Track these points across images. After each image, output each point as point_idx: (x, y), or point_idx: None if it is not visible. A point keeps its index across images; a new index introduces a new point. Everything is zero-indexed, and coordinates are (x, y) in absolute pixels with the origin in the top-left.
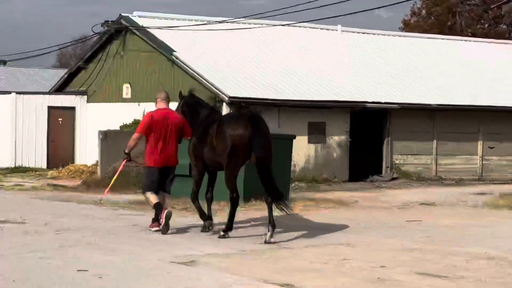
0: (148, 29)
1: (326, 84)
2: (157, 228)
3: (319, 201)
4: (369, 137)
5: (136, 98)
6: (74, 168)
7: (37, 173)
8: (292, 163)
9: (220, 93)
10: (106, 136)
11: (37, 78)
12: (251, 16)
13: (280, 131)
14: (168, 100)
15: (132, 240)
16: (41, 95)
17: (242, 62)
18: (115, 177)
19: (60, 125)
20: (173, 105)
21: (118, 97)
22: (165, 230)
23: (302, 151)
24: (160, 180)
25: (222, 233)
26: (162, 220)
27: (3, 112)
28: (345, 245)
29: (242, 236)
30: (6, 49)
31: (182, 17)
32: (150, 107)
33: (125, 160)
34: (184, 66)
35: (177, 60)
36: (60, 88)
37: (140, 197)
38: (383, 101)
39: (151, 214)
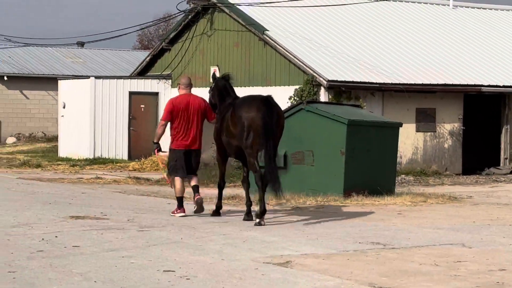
0: (238, 6)
1: (437, 65)
2: (182, 214)
3: (428, 196)
4: (485, 125)
5: None
6: (157, 160)
7: (118, 164)
8: (398, 154)
9: (317, 76)
10: None
11: (117, 60)
12: None
13: (384, 119)
14: (190, 86)
15: (222, 238)
16: (122, 80)
17: (342, 41)
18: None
19: (142, 112)
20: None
21: (205, 81)
22: (198, 211)
23: (409, 140)
24: (186, 163)
25: (258, 220)
26: (196, 207)
27: (82, 98)
28: (458, 246)
29: (342, 235)
30: (84, 30)
31: None
32: (241, 92)
33: (156, 150)
34: (277, 45)
35: (269, 40)
36: (142, 72)
37: (227, 191)
38: (501, 84)
39: (241, 210)
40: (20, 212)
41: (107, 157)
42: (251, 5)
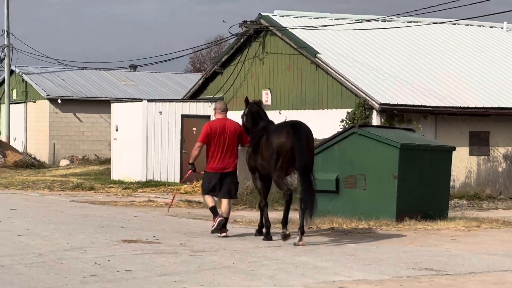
0: (290, 29)
1: (490, 88)
2: (220, 218)
3: (482, 221)
4: None
5: (276, 105)
6: None
7: (170, 187)
8: (451, 177)
9: (369, 99)
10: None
11: (169, 83)
12: (404, 13)
13: (437, 142)
14: (226, 110)
15: (274, 263)
16: (174, 103)
17: (394, 64)
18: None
19: (194, 135)
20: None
21: None
22: (215, 231)
23: (462, 164)
24: (219, 185)
25: (298, 241)
26: (215, 224)
27: (134, 121)
28: None
29: (395, 260)
30: (137, 53)
31: (326, 16)
32: (292, 115)
33: (190, 171)
34: (329, 68)
35: (321, 63)
36: (195, 95)
37: (275, 215)
38: None
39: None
40: (74, 235)
41: (159, 180)
42: (303, 28)
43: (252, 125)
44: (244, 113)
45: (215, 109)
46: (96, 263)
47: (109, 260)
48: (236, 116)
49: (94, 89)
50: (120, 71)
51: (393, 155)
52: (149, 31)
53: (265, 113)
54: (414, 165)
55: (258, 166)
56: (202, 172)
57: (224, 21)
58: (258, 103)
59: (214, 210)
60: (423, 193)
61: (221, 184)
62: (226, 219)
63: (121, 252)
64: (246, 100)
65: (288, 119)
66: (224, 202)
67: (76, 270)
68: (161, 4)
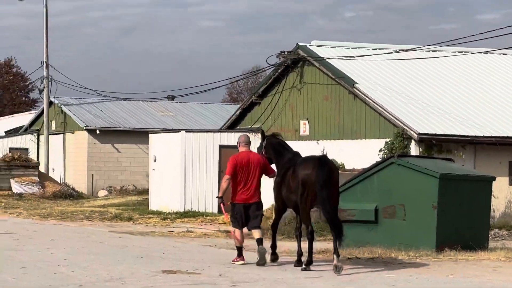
0: (327, 59)
1: None
2: (242, 262)
3: None
4: None
5: (314, 135)
6: None
7: (208, 218)
8: (491, 208)
9: (407, 129)
10: None
11: (206, 113)
12: (442, 43)
13: (476, 172)
14: (249, 143)
15: None
16: (212, 133)
17: (432, 94)
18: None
19: None
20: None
21: (295, 134)
22: (260, 263)
23: (502, 194)
24: (246, 216)
25: (304, 266)
26: (237, 261)
27: (173, 152)
28: None
29: None
30: (174, 83)
31: (363, 45)
32: (330, 145)
33: (222, 204)
34: (367, 98)
35: (359, 93)
36: (232, 125)
37: (321, 245)
38: None
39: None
40: (113, 266)
41: (197, 210)
42: (340, 58)
43: (276, 157)
44: (261, 145)
45: (238, 142)
46: None
47: None
48: None
49: (132, 120)
50: (158, 101)
51: (433, 185)
52: (185, 62)
53: (287, 145)
54: (454, 195)
55: (284, 197)
56: (229, 203)
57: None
58: (277, 135)
59: (240, 250)
60: (463, 223)
61: (248, 215)
62: (261, 240)
63: (160, 283)
64: (262, 133)
65: (325, 149)
66: (256, 232)
67: None
68: (197, 35)
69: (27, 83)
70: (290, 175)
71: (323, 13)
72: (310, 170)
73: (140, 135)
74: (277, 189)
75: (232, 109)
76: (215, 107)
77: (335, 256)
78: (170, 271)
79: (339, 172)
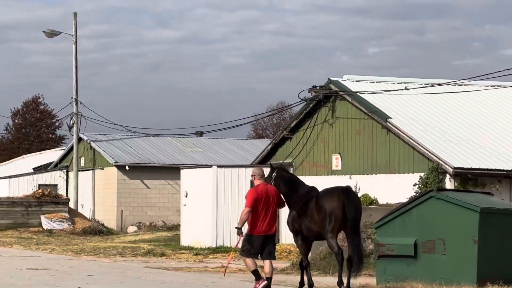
0: (360, 94)
1: None
2: (264, 284)
3: None
4: None
5: (347, 170)
6: (280, 248)
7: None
8: None
9: (442, 163)
10: None
11: (235, 149)
12: (476, 77)
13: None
14: (264, 176)
15: None
16: (243, 168)
17: (465, 127)
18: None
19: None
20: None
21: (327, 169)
22: None
23: None
24: (262, 247)
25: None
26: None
27: (204, 187)
28: None
29: None
30: (199, 120)
31: (395, 80)
32: (363, 180)
33: (241, 236)
34: (400, 133)
35: (393, 127)
36: (263, 161)
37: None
38: None
39: None
40: None
41: (229, 246)
42: (373, 92)
43: (289, 190)
44: (270, 177)
45: (253, 175)
46: None
47: None
48: (304, 180)
49: (161, 156)
50: (186, 137)
51: (473, 219)
52: (210, 99)
53: (299, 179)
54: (495, 229)
55: (304, 228)
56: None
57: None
58: (286, 169)
59: (257, 273)
60: (504, 258)
61: (265, 245)
62: (270, 279)
63: None
64: (271, 166)
65: (358, 184)
66: (267, 263)
67: None
68: (222, 72)
69: (54, 120)
70: (313, 207)
71: (347, 49)
72: (336, 201)
73: (169, 171)
74: (294, 223)
75: (261, 144)
76: (243, 142)
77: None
78: None
79: (374, 207)
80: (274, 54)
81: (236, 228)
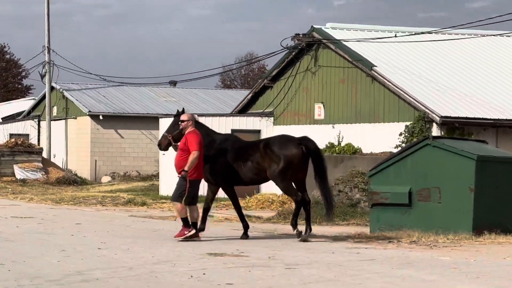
0: (344, 42)
1: None
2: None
3: None
4: None
5: (330, 119)
6: (262, 198)
7: (223, 203)
8: None
9: (429, 112)
10: None
11: (209, 99)
12: (459, 25)
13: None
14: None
15: (377, 276)
16: (224, 117)
17: (451, 77)
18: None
19: None
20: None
21: (309, 118)
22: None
23: None
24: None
25: (304, 235)
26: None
27: None
28: None
29: (503, 273)
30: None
31: (379, 28)
32: (347, 129)
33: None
34: (386, 81)
35: (378, 75)
36: (243, 110)
37: (349, 229)
38: None
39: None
40: (154, 249)
41: (217, 196)
42: (358, 41)
43: (206, 136)
44: (175, 122)
45: (190, 120)
46: (192, 276)
47: (204, 274)
48: (286, 129)
49: (135, 105)
50: (160, 87)
51: (470, 167)
52: (176, 51)
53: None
54: (491, 177)
55: (220, 176)
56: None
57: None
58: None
59: (188, 220)
60: (500, 206)
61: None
62: (196, 225)
63: (212, 265)
64: (178, 113)
65: (341, 133)
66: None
67: (175, 283)
68: (187, 24)
69: (20, 70)
70: (265, 154)
71: (311, 1)
72: (296, 149)
73: (144, 121)
74: (224, 169)
75: (235, 94)
76: (216, 92)
77: (308, 227)
78: (216, 253)
79: (359, 156)
80: (238, 6)
81: (183, 171)
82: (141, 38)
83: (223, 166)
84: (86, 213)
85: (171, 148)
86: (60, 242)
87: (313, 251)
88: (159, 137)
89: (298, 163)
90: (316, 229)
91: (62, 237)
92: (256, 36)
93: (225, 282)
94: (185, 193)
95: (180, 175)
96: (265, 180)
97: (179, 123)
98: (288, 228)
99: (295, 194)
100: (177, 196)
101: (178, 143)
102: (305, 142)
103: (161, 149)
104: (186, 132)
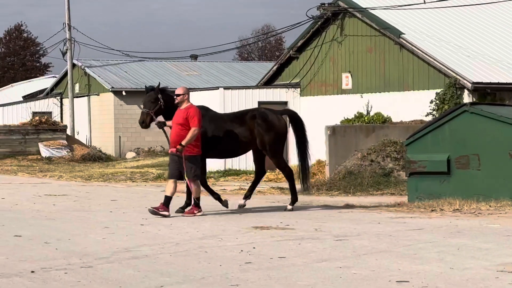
0: (371, 10)
1: None
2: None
3: None
4: None
5: (358, 88)
6: (292, 169)
7: (251, 176)
8: None
9: (460, 78)
10: (334, 132)
11: (231, 72)
12: None
13: None
14: None
15: (430, 246)
16: (250, 90)
17: (481, 42)
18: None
19: None
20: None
21: (336, 88)
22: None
23: None
24: None
25: (289, 206)
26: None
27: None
28: None
29: None
30: (189, 45)
31: None
32: (375, 98)
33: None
34: (415, 49)
35: (406, 43)
36: (268, 82)
37: (387, 199)
38: None
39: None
40: (197, 223)
41: (237, 169)
42: (385, 8)
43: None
44: (158, 98)
45: (185, 94)
46: (242, 250)
47: (254, 247)
48: (313, 100)
49: (157, 80)
50: (181, 61)
51: (509, 133)
52: (191, 25)
53: None
54: None
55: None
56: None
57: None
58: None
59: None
60: None
61: None
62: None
63: (259, 238)
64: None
65: (370, 102)
66: None
67: (226, 258)
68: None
69: (38, 48)
70: (255, 127)
71: None
72: (283, 122)
73: None
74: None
75: (257, 67)
76: (238, 65)
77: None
78: (262, 227)
79: (391, 125)
80: None
81: (180, 145)
82: (155, 13)
83: (204, 138)
84: (119, 189)
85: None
86: (101, 219)
87: (358, 222)
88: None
89: (285, 134)
90: (350, 199)
91: (101, 214)
92: (272, 8)
93: (277, 255)
94: (197, 170)
95: (174, 151)
96: (245, 152)
97: (175, 97)
98: (324, 199)
99: (287, 166)
100: (193, 175)
101: (161, 119)
102: (288, 112)
103: (145, 127)
104: (183, 106)
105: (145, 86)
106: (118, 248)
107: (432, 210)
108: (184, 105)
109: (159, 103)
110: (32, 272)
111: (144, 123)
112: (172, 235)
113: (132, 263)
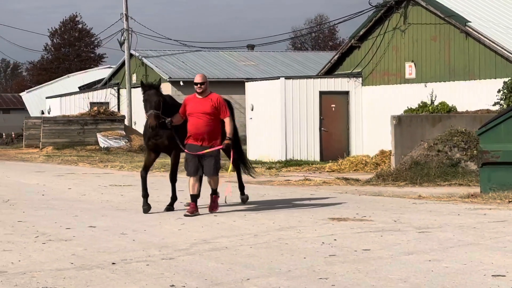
0: None
1: None
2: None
3: None
4: None
5: (421, 77)
6: (355, 160)
7: (313, 166)
8: None
9: None
10: (400, 122)
11: (288, 62)
12: None
13: None
14: None
15: None
16: (312, 79)
17: None
18: None
19: (333, 112)
20: None
21: (399, 78)
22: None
23: None
24: None
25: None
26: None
27: (271, 100)
28: None
29: None
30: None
31: None
32: (439, 87)
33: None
34: (481, 37)
35: (472, 31)
36: (330, 71)
37: (451, 189)
38: None
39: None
40: (272, 214)
41: (299, 159)
42: None
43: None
44: (157, 95)
45: (206, 83)
46: (323, 242)
47: (335, 239)
48: (375, 90)
49: (215, 70)
50: (238, 51)
51: None
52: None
53: None
54: None
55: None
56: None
57: None
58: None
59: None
60: None
61: None
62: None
63: (339, 230)
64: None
65: (434, 92)
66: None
67: (309, 250)
68: None
69: (92, 39)
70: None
71: None
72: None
73: (224, 85)
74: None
75: (314, 56)
76: (295, 54)
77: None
78: (339, 218)
79: (457, 115)
80: None
81: (229, 139)
82: (208, 3)
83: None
84: (183, 180)
85: (257, 112)
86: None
87: (437, 213)
88: (246, 102)
89: None
90: (419, 190)
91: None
92: None
93: (361, 248)
94: (218, 164)
95: (222, 146)
96: None
97: (199, 86)
98: (391, 189)
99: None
100: (215, 169)
101: (171, 118)
102: None
103: (155, 129)
104: (206, 95)
105: (141, 82)
106: (196, 240)
107: (510, 202)
108: (209, 94)
109: (161, 102)
110: (113, 263)
111: (155, 127)
112: (248, 226)
113: (213, 255)
